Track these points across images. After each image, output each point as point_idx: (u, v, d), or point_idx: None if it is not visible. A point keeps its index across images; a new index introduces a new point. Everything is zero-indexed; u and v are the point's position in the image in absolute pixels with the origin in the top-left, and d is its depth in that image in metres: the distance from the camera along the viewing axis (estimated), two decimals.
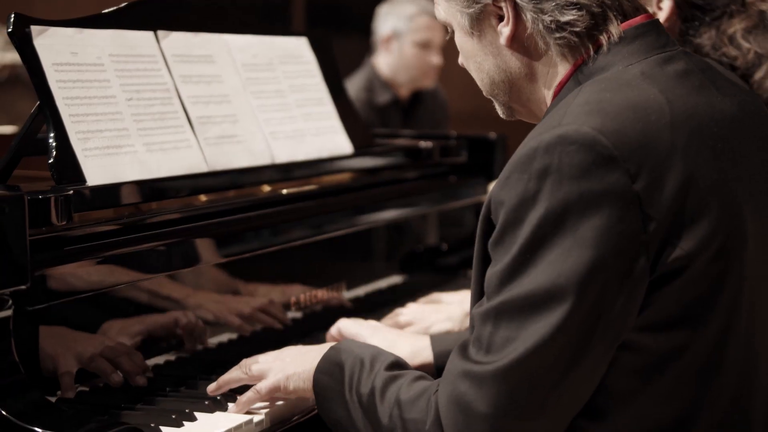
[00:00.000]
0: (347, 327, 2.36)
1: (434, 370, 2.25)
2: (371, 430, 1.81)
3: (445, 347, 2.25)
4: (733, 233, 1.69)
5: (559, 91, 1.79)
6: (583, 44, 1.77)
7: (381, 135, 3.28)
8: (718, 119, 1.74)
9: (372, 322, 2.41)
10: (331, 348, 1.95)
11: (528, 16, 1.77)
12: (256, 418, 2.01)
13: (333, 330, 2.38)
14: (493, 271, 1.68)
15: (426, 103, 5.55)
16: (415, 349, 2.27)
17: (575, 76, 1.77)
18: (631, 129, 1.64)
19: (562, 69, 1.79)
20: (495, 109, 1.94)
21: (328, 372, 1.91)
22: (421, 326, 2.52)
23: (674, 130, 1.67)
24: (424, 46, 5.26)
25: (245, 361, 2.08)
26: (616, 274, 1.61)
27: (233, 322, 2.33)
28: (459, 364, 1.69)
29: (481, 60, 1.86)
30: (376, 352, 1.90)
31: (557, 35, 1.76)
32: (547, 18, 1.76)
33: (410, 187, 3.02)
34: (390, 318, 2.58)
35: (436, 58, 5.29)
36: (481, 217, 1.75)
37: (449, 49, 2.06)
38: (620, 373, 1.69)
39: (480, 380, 1.64)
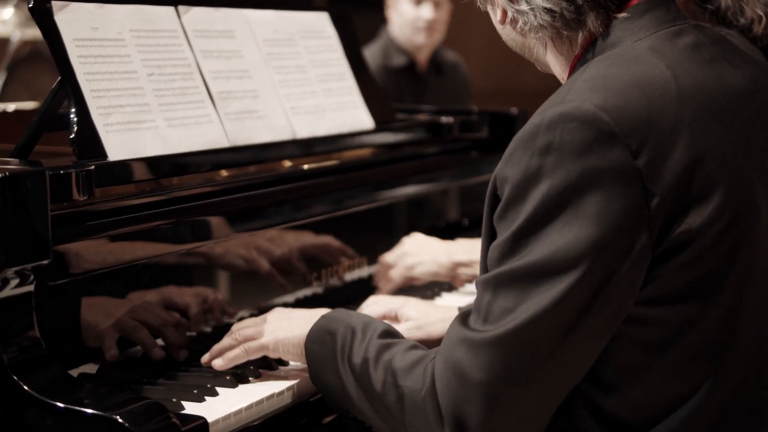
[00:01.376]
0: (375, 311, 2.34)
1: None
2: (364, 397, 1.83)
3: None
4: (743, 208, 1.68)
5: (575, 64, 1.80)
6: (571, 37, 1.79)
7: (402, 110, 3.27)
8: (728, 93, 1.73)
9: (401, 297, 2.42)
10: (322, 317, 1.98)
11: (509, 14, 1.83)
12: (279, 394, 2.02)
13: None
14: (496, 244, 1.69)
15: (446, 75, 5.52)
16: (446, 317, 2.28)
17: (587, 53, 1.78)
18: (634, 104, 1.64)
19: (564, 52, 1.82)
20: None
21: (320, 341, 1.94)
22: (407, 262, 2.63)
23: (681, 105, 1.66)
24: (417, 1, 5.24)
25: (234, 327, 2.13)
26: (617, 250, 1.61)
27: (261, 288, 2.33)
28: (458, 331, 1.70)
29: (499, 29, 1.91)
30: (368, 321, 1.92)
31: (539, 34, 1.81)
32: (522, 19, 1.80)
33: (431, 163, 3.02)
34: (391, 253, 2.66)
35: (427, 12, 5.22)
36: (488, 193, 1.76)
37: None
38: (629, 348, 1.69)
39: (476, 347, 1.66)
